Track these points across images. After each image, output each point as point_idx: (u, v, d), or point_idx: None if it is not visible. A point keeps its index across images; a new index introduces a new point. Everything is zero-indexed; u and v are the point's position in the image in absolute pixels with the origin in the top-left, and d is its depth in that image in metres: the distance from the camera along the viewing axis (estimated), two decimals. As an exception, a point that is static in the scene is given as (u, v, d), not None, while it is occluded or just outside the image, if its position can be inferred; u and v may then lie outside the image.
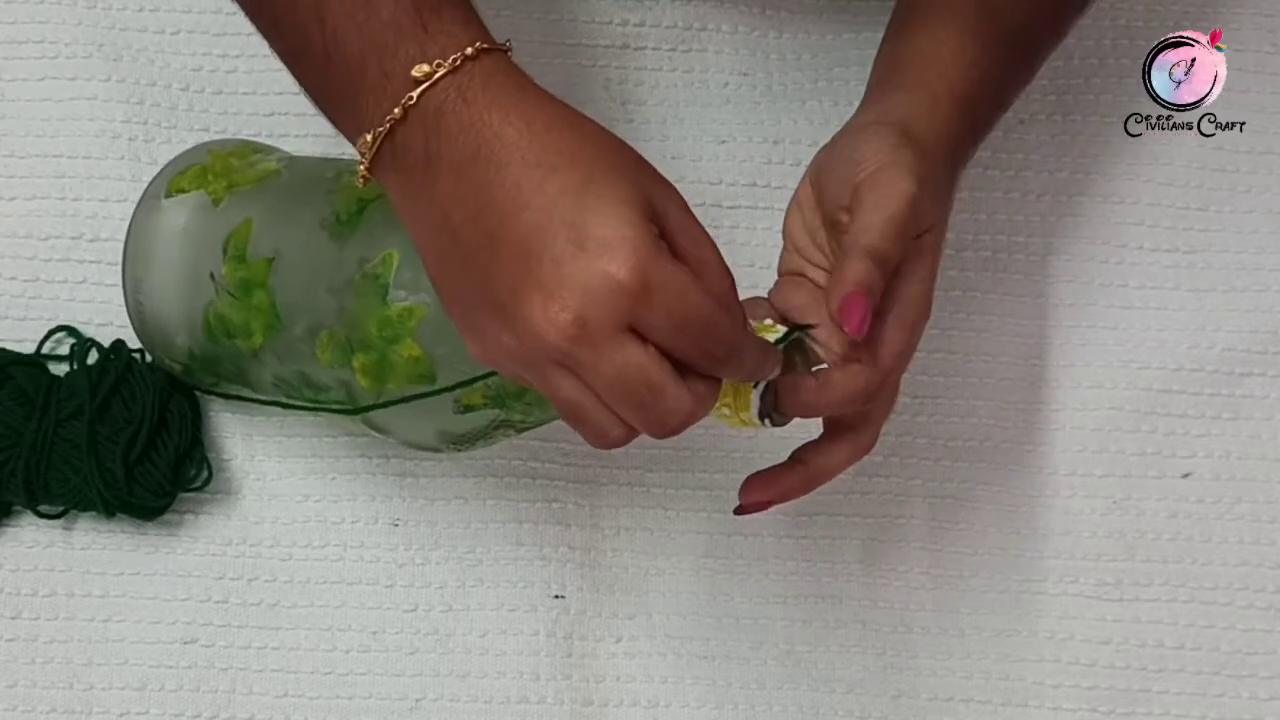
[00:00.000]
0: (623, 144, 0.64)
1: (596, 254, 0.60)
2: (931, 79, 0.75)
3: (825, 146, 0.75)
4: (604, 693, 0.86)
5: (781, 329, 0.69)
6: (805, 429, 0.74)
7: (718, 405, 0.67)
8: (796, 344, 0.70)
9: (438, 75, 0.63)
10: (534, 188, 0.62)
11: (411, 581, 0.87)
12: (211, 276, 0.80)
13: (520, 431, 0.76)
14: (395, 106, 0.64)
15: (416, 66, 0.63)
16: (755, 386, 0.68)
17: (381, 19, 0.64)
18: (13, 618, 0.86)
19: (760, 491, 0.74)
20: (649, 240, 0.61)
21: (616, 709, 0.86)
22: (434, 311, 0.71)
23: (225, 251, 0.79)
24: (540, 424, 0.75)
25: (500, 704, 0.86)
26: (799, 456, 0.73)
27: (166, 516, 0.86)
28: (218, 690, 0.85)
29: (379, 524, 0.87)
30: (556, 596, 0.87)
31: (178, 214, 0.82)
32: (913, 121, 0.73)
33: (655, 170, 0.64)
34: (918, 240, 0.71)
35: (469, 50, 0.64)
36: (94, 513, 0.85)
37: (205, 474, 0.85)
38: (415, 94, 0.63)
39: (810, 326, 0.71)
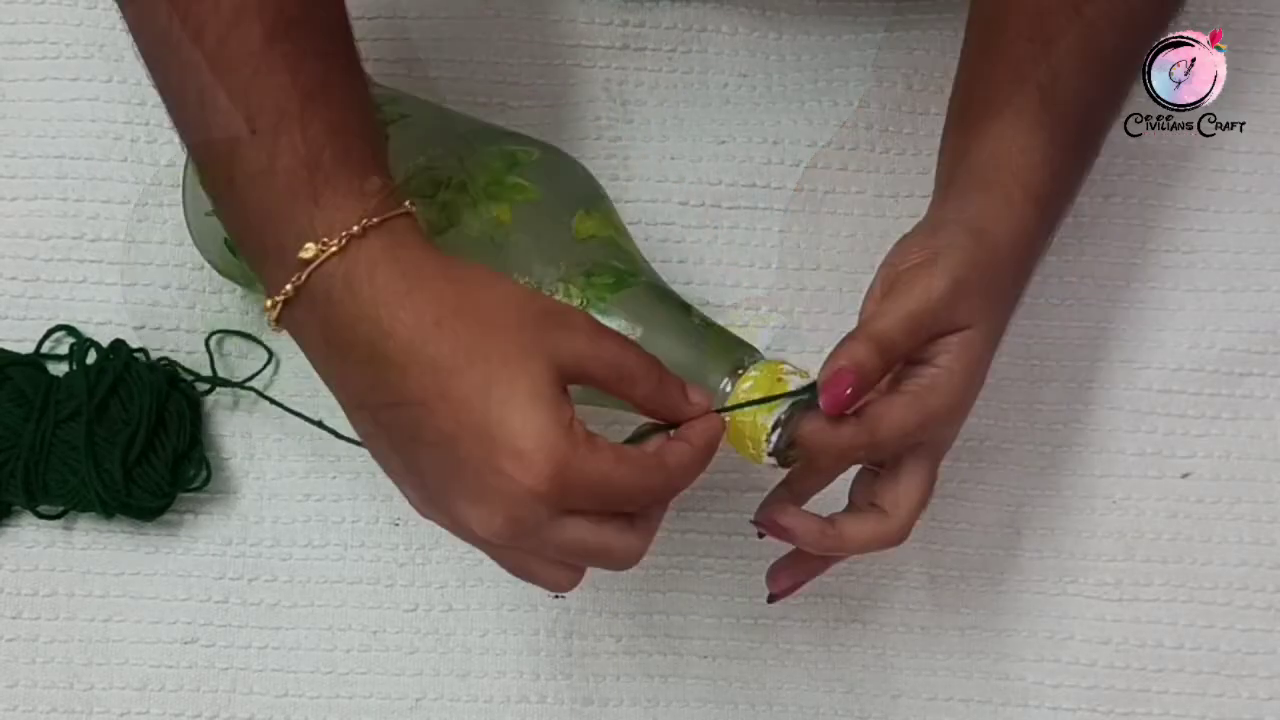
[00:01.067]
0: (516, 303, 0.63)
1: (511, 467, 0.61)
2: (1006, 178, 0.73)
3: (899, 244, 0.74)
4: (604, 692, 0.86)
5: (796, 379, 0.70)
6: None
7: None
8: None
9: (322, 259, 0.63)
10: (438, 394, 0.62)
11: (411, 581, 0.87)
12: None
13: None
14: (287, 282, 0.64)
15: (304, 247, 0.63)
16: (771, 436, 0.69)
17: (278, 185, 0.63)
18: (13, 618, 0.86)
19: (788, 577, 0.75)
20: (557, 439, 0.61)
21: (616, 708, 0.86)
22: None
23: None
24: None
25: (500, 703, 0.86)
26: (829, 517, 0.73)
27: (166, 516, 0.86)
28: (218, 690, 0.86)
29: (379, 524, 0.87)
30: (556, 596, 0.87)
31: None
32: (989, 222, 0.73)
33: (554, 313, 0.64)
34: (960, 335, 0.71)
35: (355, 229, 0.63)
36: (93, 513, 0.85)
37: (204, 474, 0.86)
38: (303, 275, 0.63)
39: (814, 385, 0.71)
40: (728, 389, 0.70)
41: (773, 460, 0.70)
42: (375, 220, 0.63)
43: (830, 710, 0.87)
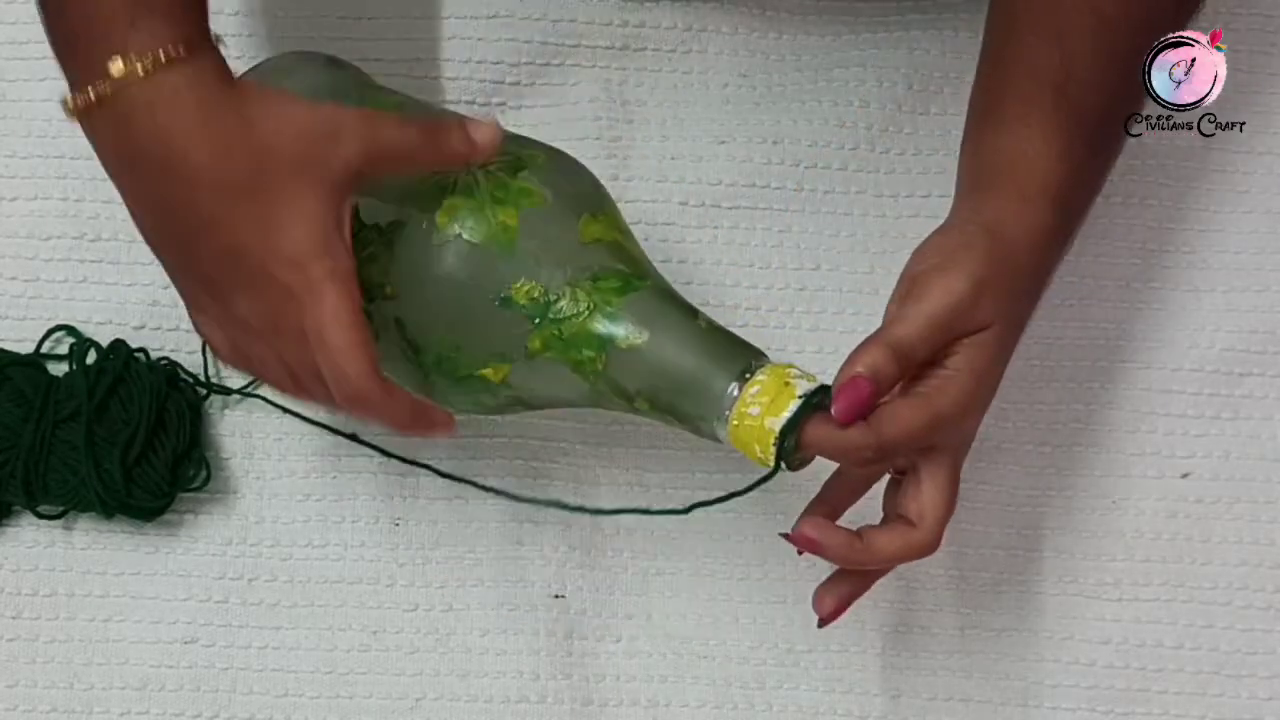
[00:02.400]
0: (295, 130, 0.69)
1: (284, 273, 0.68)
2: (1022, 177, 0.73)
3: (918, 247, 0.74)
4: (604, 692, 0.86)
5: (804, 383, 0.70)
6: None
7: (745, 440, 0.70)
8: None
9: (129, 79, 0.67)
10: (224, 212, 0.68)
11: (411, 581, 0.87)
12: None
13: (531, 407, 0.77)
14: (91, 90, 0.67)
15: (112, 62, 0.67)
16: (778, 439, 0.69)
17: (101, 4, 0.67)
18: (13, 618, 0.86)
19: (833, 600, 0.75)
20: (322, 252, 0.68)
21: (616, 709, 0.86)
22: None
23: None
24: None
25: (500, 704, 0.86)
26: (859, 530, 0.73)
27: (166, 516, 0.86)
28: (218, 690, 0.86)
29: (379, 524, 0.87)
30: (556, 596, 0.87)
31: None
32: (1004, 221, 0.73)
33: (327, 132, 0.69)
34: (974, 337, 0.71)
35: (162, 56, 0.67)
36: (93, 513, 0.85)
37: (204, 474, 0.86)
38: (108, 89, 0.67)
39: (824, 388, 0.71)
40: (735, 393, 0.70)
41: (781, 464, 0.70)
42: (184, 52, 0.67)
43: (830, 710, 0.87)
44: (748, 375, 0.71)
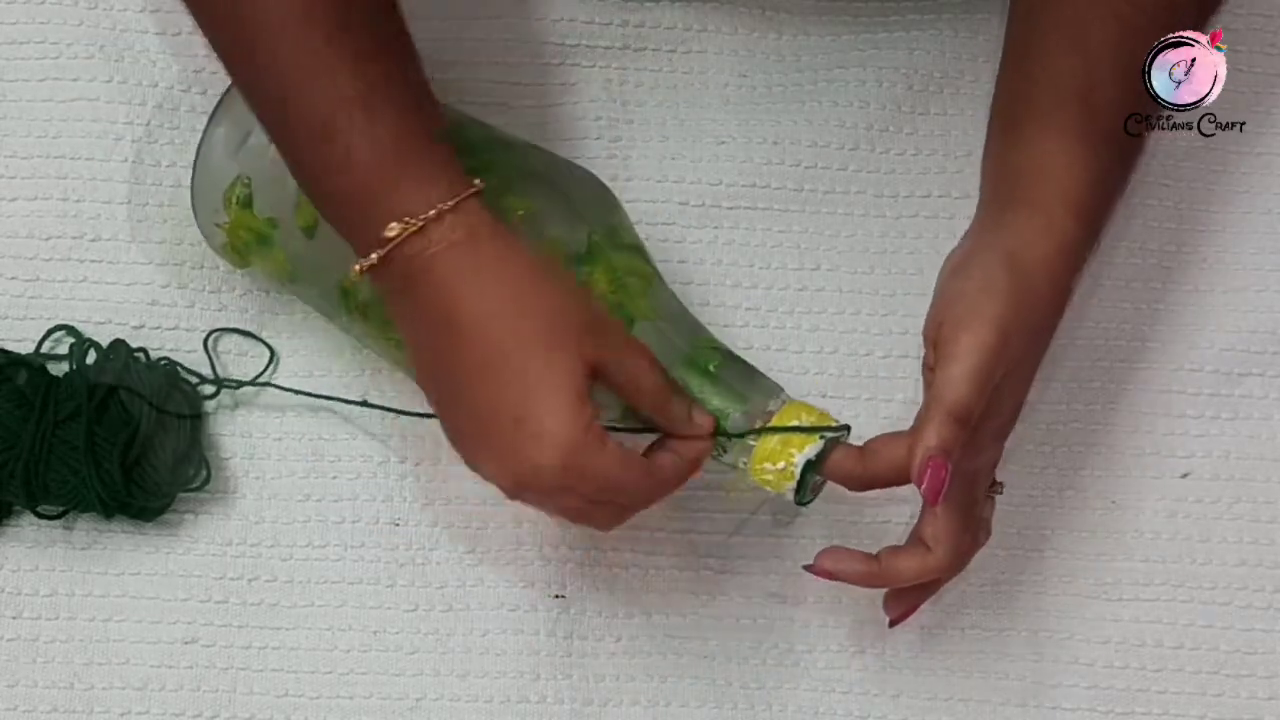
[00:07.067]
0: (564, 307, 0.71)
1: (530, 447, 0.70)
2: (1046, 194, 0.74)
3: (944, 266, 0.76)
4: (604, 692, 0.86)
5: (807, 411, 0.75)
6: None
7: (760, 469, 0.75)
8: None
9: (405, 234, 0.70)
10: (485, 370, 0.71)
11: (411, 581, 0.87)
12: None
13: None
14: (372, 252, 0.71)
15: (389, 225, 0.70)
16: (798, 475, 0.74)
17: (357, 177, 0.70)
18: (13, 618, 0.86)
19: (901, 603, 0.81)
20: (572, 432, 0.70)
21: (616, 709, 0.86)
22: None
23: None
24: None
25: (500, 704, 0.86)
26: (878, 553, 0.77)
27: (166, 516, 0.86)
28: (218, 690, 0.86)
29: (379, 524, 0.87)
30: (557, 596, 0.87)
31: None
32: (1026, 245, 0.74)
33: (594, 321, 0.72)
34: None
35: (432, 212, 0.70)
36: (93, 513, 0.85)
37: (204, 474, 0.86)
38: (385, 250, 0.71)
39: (845, 428, 0.75)
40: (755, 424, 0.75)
41: (792, 490, 0.75)
42: (450, 204, 0.70)
43: (830, 710, 0.87)
44: (770, 411, 0.75)
